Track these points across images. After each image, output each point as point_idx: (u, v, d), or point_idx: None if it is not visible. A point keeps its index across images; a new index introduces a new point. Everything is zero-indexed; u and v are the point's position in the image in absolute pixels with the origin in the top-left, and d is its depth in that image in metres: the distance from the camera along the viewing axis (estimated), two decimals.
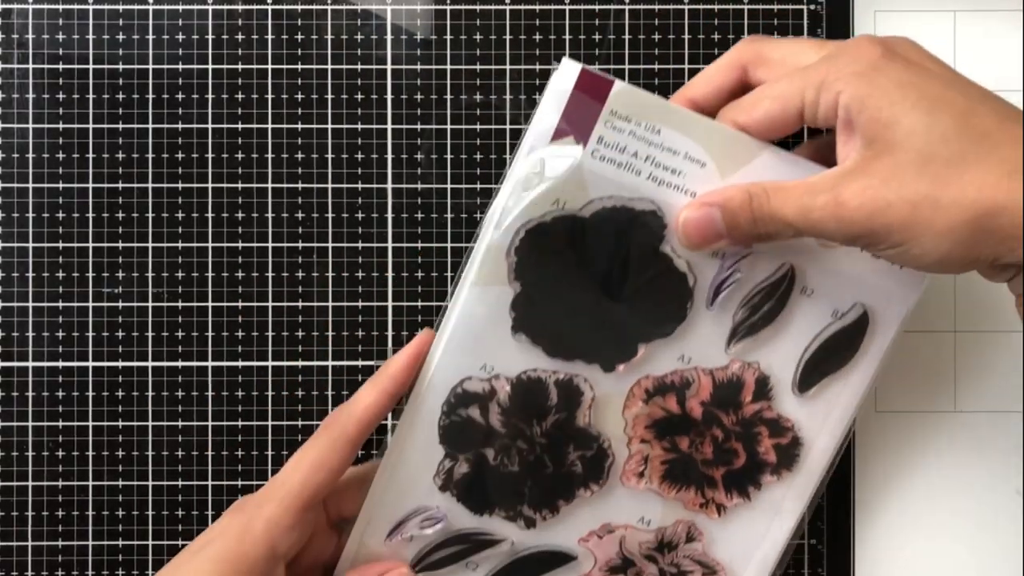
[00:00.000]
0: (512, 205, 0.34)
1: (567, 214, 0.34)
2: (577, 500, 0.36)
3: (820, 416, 0.36)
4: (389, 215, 0.42)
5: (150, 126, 0.42)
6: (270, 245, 0.42)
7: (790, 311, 0.35)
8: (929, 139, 0.30)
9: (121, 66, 0.42)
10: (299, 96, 0.42)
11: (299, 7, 0.42)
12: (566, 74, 0.34)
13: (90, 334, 0.42)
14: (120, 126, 0.42)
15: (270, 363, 0.42)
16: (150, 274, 0.42)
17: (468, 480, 0.36)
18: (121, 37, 0.42)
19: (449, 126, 0.42)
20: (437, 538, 0.36)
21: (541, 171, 0.34)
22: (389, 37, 0.42)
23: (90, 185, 0.42)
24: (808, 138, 0.39)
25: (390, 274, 0.42)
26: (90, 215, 0.42)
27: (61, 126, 0.42)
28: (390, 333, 0.42)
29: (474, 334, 0.35)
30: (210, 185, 0.42)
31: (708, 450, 0.36)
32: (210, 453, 0.42)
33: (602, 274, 0.35)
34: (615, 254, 0.34)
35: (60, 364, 0.42)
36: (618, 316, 0.35)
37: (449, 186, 0.42)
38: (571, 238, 0.34)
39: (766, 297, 0.35)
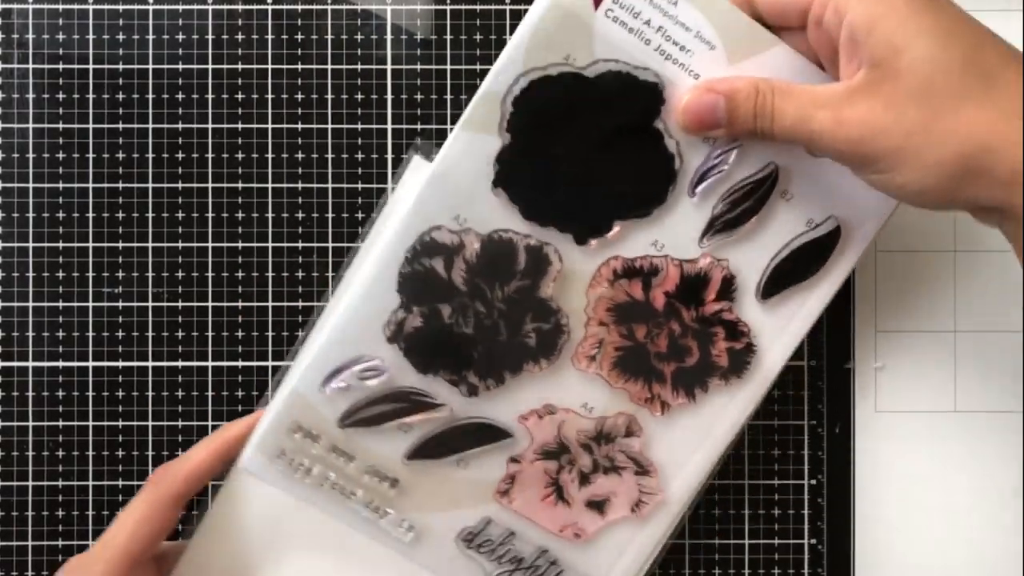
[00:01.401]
0: (517, 56, 0.33)
1: (572, 71, 0.33)
2: (524, 374, 0.36)
3: (777, 326, 0.36)
4: None
5: (150, 126, 0.42)
6: (270, 245, 0.42)
7: (767, 212, 0.35)
8: (935, 70, 0.30)
9: (121, 66, 0.42)
10: (299, 96, 0.42)
11: (299, 7, 0.42)
12: None
13: (90, 334, 0.42)
14: (120, 126, 0.42)
15: (270, 363, 0.42)
16: (150, 274, 0.42)
17: (418, 335, 0.35)
18: (121, 37, 0.42)
19: (449, 126, 0.42)
20: (374, 393, 0.35)
21: (551, 23, 0.33)
22: (389, 37, 0.42)
23: (90, 185, 0.42)
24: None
25: None
26: (90, 215, 0.42)
27: (61, 126, 0.42)
28: None
29: (454, 180, 0.34)
30: (210, 185, 0.42)
31: (663, 343, 0.36)
32: None
33: (592, 141, 0.34)
34: (611, 122, 0.34)
35: (60, 364, 0.42)
36: (600, 188, 0.35)
37: None
38: (571, 97, 0.34)
39: (747, 194, 0.35)
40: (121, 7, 0.42)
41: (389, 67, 0.42)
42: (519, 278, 0.35)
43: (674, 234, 0.35)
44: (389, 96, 0.42)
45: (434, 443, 0.36)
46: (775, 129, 0.32)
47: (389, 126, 0.42)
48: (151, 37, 0.42)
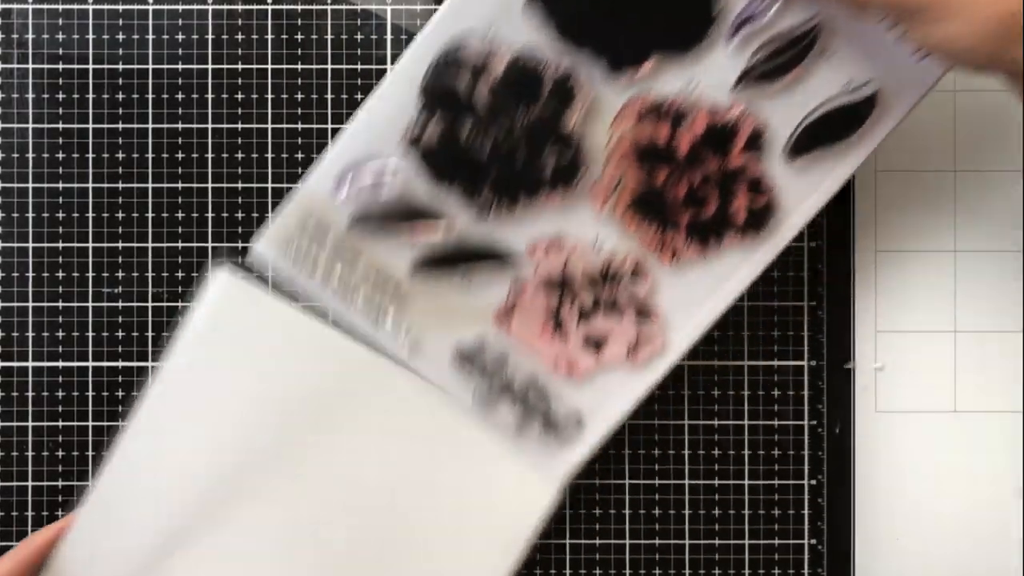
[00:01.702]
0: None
1: None
2: (538, 203, 0.35)
3: (802, 189, 0.35)
4: None
5: (150, 126, 0.42)
6: None
7: (805, 69, 0.34)
8: None
9: (121, 66, 0.42)
10: (299, 96, 0.42)
11: (299, 7, 0.42)
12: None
13: (90, 334, 0.42)
14: (120, 126, 0.42)
15: None
16: (150, 274, 0.42)
17: (437, 143, 0.35)
18: (121, 37, 0.42)
19: None
20: (387, 199, 0.35)
21: None
22: (389, 37, 0.42)
23: (90, 185, 0.42)
24: None
25: None
26: (90, 215, 0.42)
27: (61, 126, 0.42)
28: None
29: None
30: (210, 185, 0.42)
31: (681, 191, 0.35)
32: None
33: None
34: None
35: (60, 364, 0.42)
36: (641, 16, 0.34)
37: None
38: None
39: (787, 47, 0.34)
40: (121, 7, 0.42)
41: (389, 67, 0.42)
42: (542, 107, 0.34)
43: (709, 77, 0.34)
44: None
45: (439, 258, 0.36)
46: None
47: None
48: (151, 37, 0.42)
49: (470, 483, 0.37)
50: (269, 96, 0.42)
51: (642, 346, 0.36)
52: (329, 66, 0.42)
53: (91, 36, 0.42)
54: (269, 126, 0.42)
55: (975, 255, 0.42)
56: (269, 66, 0.42)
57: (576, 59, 0.34)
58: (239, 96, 0.42)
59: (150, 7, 0.42)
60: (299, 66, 0.42)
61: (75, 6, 0.42)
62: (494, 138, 0.34)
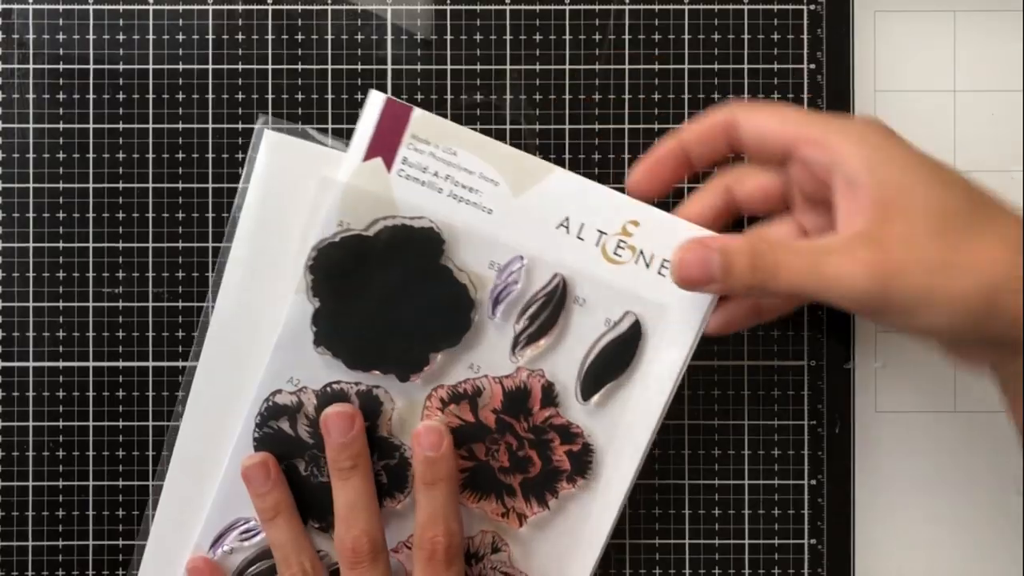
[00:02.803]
0: (312, 231, 0.37)
1: (353, 233, 0.37)
2: (385, 511, 0.38)
3: (609, 423, 0.37)
4: None
5: (150, 126, 0.42)
6: None
7: (566, 319, 0.37)
8: (946, 207, 0.30)
9: (121, 66, 0.42)
10: (299, 96, 0.42)
11: (299, 7, 0.42)
12: (374, 103, 0.36)
13: (90, 334, 0.42)
14: (120, 126, 0.42)
15: None
16: (150, 274, 0.42)
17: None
18: (121, 37, 0.42)
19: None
20: (257, 550, 0.38)
21: (354, 195, 0.36)
22: (389, 37, 0.42)
23: (90, 185, 0.42)
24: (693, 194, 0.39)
25: None
26: (90, 215, 0.42)
27: (61, 126, 0.42)
28: None
29: (285, 347, 0.37)
30: (210, 185, 0.42)
31: (504, 458, 0.38)
32: None
33: (391, 288, 0.37)
34: (401, 270, 0.37)
35: (60, 364, 0.42)
36: (409, 328, 0.37)
37: None
38: (359, 256, 0.37)
39: (543, 306, 0.37)
40: (121, 7, 0.42)
41: (389, 67, 0.42)
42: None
43: (487, 354, 0.37)
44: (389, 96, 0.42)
45: None
46: (781, 282, 0.32)
47: None
48: (151, 37, 0.42)
49: None
50: (269, 96, 0.42)
51: None
52: (329, 66, 0.42)
53: (91, 36, 0.42)
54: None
55: None
56: (269, 66, 0.42)
57: (371, 379, 0.37)
58: (239, 96, 0.42)
59: (150, 7, 0.42)
60: (299, 66, 0.42)
61: (75, 6, 0.42)
62: (327, 465, 0.37)
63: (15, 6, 0.42)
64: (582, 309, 0.37)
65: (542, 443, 0.38)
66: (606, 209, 0.36)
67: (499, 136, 0.42)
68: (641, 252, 0.36)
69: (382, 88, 0.42)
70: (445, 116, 0.42)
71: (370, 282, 0.37)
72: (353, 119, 0.42)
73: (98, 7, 0.42)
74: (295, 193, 0.37)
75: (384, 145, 0.36)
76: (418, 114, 0.36)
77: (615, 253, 0.36)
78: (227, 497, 0.38)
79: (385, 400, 0.37)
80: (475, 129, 0.42)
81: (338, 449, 0.36)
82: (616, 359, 0.37)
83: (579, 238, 0.36)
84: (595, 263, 0.37)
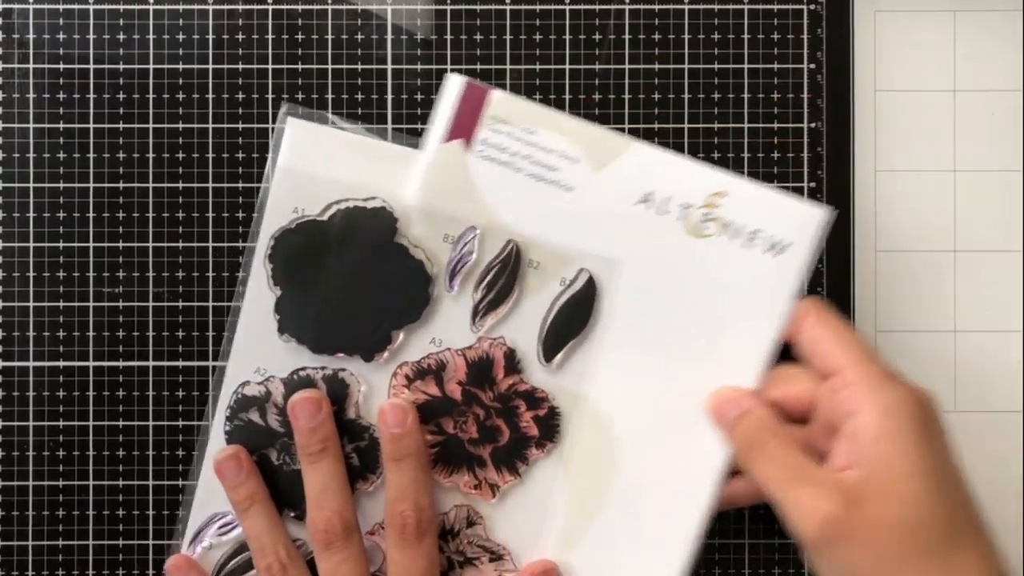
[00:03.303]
0: (270, 221, 0.38)
1: (308, 219, 0.37)
2: (359, 493, 0.38)
3: (573, 383, 0.38)
4: None
5: (150, 126, 0.42)
6: None
7: (523, 284, 0.38)
8: (920, 517, 0.31)
9: (121, 66, 0.42)
10: (299, 96, 0.42)
11: (299, 7, 0.42)
12: (453, 86, 0.37)
13: (90, 334, 0.42)
14: (120, 126, 0.42)
15: None
16: (150, 274, 0.42)
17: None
18: (121, 37, 0.42)
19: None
20: (234, 543, 0.38)
21: (440, 169, 0.37)
22: (389, 37, 0.42)
23: (90, 185, 0.42)
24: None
25: None
26: (90, 215, 0.42)
27: (61, 126, 0.42)
28: None
29: (249, 337, 0.38)
30: (210, 185, 0.42)
31: (473, 429, 0.38)
32: None
33: (350, 271, 0.37)
34: (358, 251, 0.37)
35: (60, 364, 0.42)
36: (369, 308, 0.38)
37: None
38: (316, 241, 0.37)
39: (499, 274, 0.38)
40: (121, 7, 0.42)
41: (389, 67, 0.42)
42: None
43: (447, 328, 0.38)
44: (389, 96, 0.42)
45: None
46: (756, 469, 0.34)
47: (389, 126, 0.42)
48: (151, 37, 0.42)
49: None
50: (269, 96, 0.42)
51: None
52: (329, 66, 0.42)
53: (91, 36, 0.42)
54: (269, 126, 0.42)
55: (976, 255, 0.42)
56: (269, 66, 0.42)
57: (336, 363, 0.38)
58: (239, 96, 0.42)
59: (150, 7, 0.42)
60: (299, 66, 0.42)
61: (75, 6, 0.42)
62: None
63: (15, 6, 0.42)
64: (537, 272, 0.38)
65: (509, 411, 0.38)
66: (689, 181, 0.36)
67: None
68: (729, 224, 0.36)
69: (382, 88, 0.42)
70: None
71: (328, 266, 0.37)
72: (353, 119, 0.42)
73: (98, 7, 0.42)
74: (318, 182, 0.37)
75: (463, 127, 0.37)
76: (497, 95, 0.37)
77: (703, 224, 0.36)
78: (205, 493, 0.38)
79: (352, 382, 0.38)
80: None
81: (307, 434, 0.36)
82: (575, 317, 0.38)
83: (663, 212, 0.37)
84: (678, 237, 0.37)
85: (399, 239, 0.37)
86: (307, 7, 0.42)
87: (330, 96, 0.42)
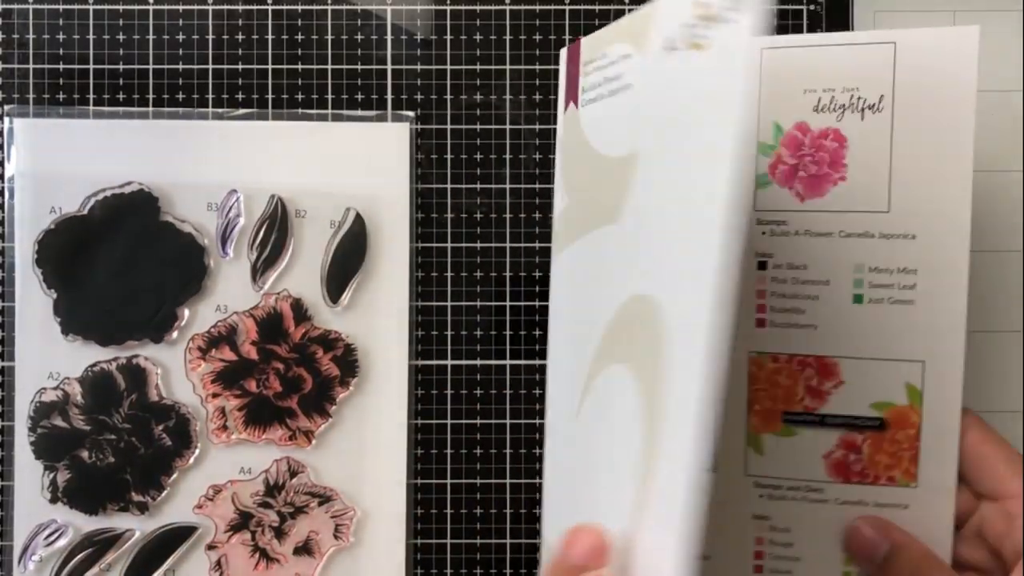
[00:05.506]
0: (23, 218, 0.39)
1: (68, 216, 0.38)
2: (177, 472, 0.39)
3: (364, 318, 0.39)
4: None
5: None
6: None
7: (294, 235, 0.39)
8: None
9: (121, 66, 0.42)
10: (299, 96, 0.42)
11: (299, 7, 0.42)
12: (562, 58, 0.37)
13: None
14: None
15: None
16: None
17: (73, 485, 0.39)
18: (121, 37, 0.42)
19: (449, 126, 0.42)
20: (64, 550, 0.39)
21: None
22: (389, 37, 0.42)
23: None
24: None
25: None
26: None
27: None
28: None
29: (33, 345, 0.39)
30: None
31: (276, 384, 0.39)
32: None
33: (121, 258, 0.38)
34: (125, 237, 0.38)
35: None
36: (149, 290, 0.39)
37: (449, 186, 0.42)
38: (81, 236, 0.38)
39: (269, 230, 0.39)
40: (121, 7, 0.42)
41: (389, 67, 0.42)
42: (127, 396, 0.39)
43: (230, 293, 0.39)
44: (389, 96, 0.42)
45: (137, 567, 0.39)
46: None
47: (389, 126, 0.42)
48: (151, 37, 0.42)
49: None
50: (269, 96, 0.42)
51: (343, 524, 0.40)
52: (329, 66, 0.42)
53: (91, 36, 0.42)
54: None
55: (975, 255, 0.42)
56: (269, 66, 0.42)
57: (128, 351, 0.39)
58: (239, 96, 0.42)
59: (150, 7, 0.42)
60: (299, 66, 0.42)
61: (75, 6, 0.42)
62: (111, 446, 0.39)
63: (15, 6, 0.42)
64: (305, 220, 0.39)
65: (307, 358, 0.39)
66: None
67: (499, 136, 0.42)
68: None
69: (382, 88, 0.42)
70: (445, 116, 0.42)
71: (99, 258, 0.38)
72: (353, 118, 0.42)
73: (98, 7, 0.42)
74: (68, 177, 0.39)
75: (571, 88, 0.37)
76: (584, 41, 0.36)
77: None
78: (23, 509, 0.39)
79: (148, 366, 0.39)
80: (475, 129, 0.42)
81: None
82: (351, 255, 0.39)
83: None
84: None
85: (164, 217, 0.39)
86: (307, 7, 0.42)
87: (330, 96, 0.42)
